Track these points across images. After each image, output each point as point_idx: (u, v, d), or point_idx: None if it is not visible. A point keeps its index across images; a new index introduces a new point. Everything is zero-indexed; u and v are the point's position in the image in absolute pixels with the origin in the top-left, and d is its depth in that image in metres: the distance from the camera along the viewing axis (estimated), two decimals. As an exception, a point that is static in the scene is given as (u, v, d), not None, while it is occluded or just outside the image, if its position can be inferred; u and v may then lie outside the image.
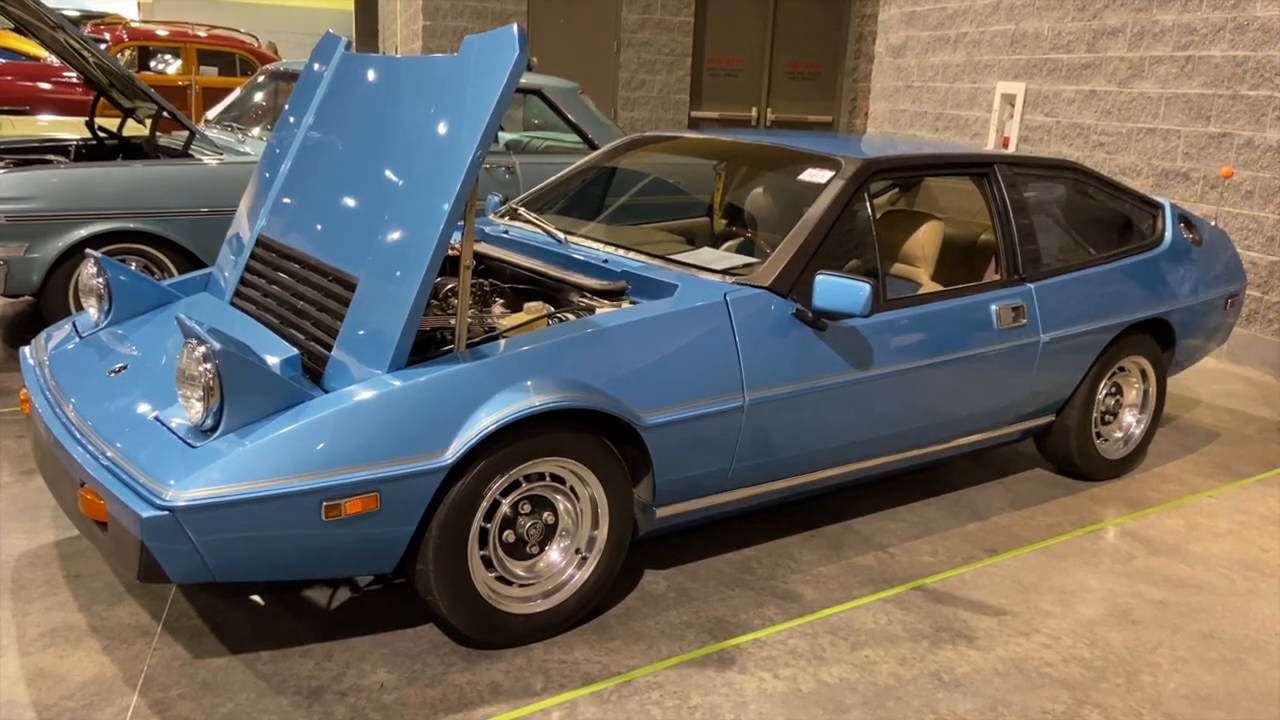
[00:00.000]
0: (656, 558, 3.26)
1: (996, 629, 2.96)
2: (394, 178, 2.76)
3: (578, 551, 2.82)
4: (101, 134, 6.06)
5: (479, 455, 2.54)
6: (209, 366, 2.36)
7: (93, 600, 2.84)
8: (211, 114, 6.25)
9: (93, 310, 3.25)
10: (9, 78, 12.27)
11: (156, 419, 2.53)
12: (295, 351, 2.70)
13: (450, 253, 3.63)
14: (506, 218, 3.90)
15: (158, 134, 5.66)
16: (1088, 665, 2.81)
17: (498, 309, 3.26)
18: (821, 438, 3.17)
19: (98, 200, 4.89)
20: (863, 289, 2.90)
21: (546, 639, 2.77)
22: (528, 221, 3.73)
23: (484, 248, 3.63)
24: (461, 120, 2.58)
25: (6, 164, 5.32)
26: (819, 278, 2.95)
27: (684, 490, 2.95)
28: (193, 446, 2.38)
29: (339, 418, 2.39)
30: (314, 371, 2.69)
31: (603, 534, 2.82)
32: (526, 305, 3.01)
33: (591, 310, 3.01)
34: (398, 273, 2.59)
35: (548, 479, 2.73)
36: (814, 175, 3.38)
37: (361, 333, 2.62)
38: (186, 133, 5.44)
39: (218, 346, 2.34)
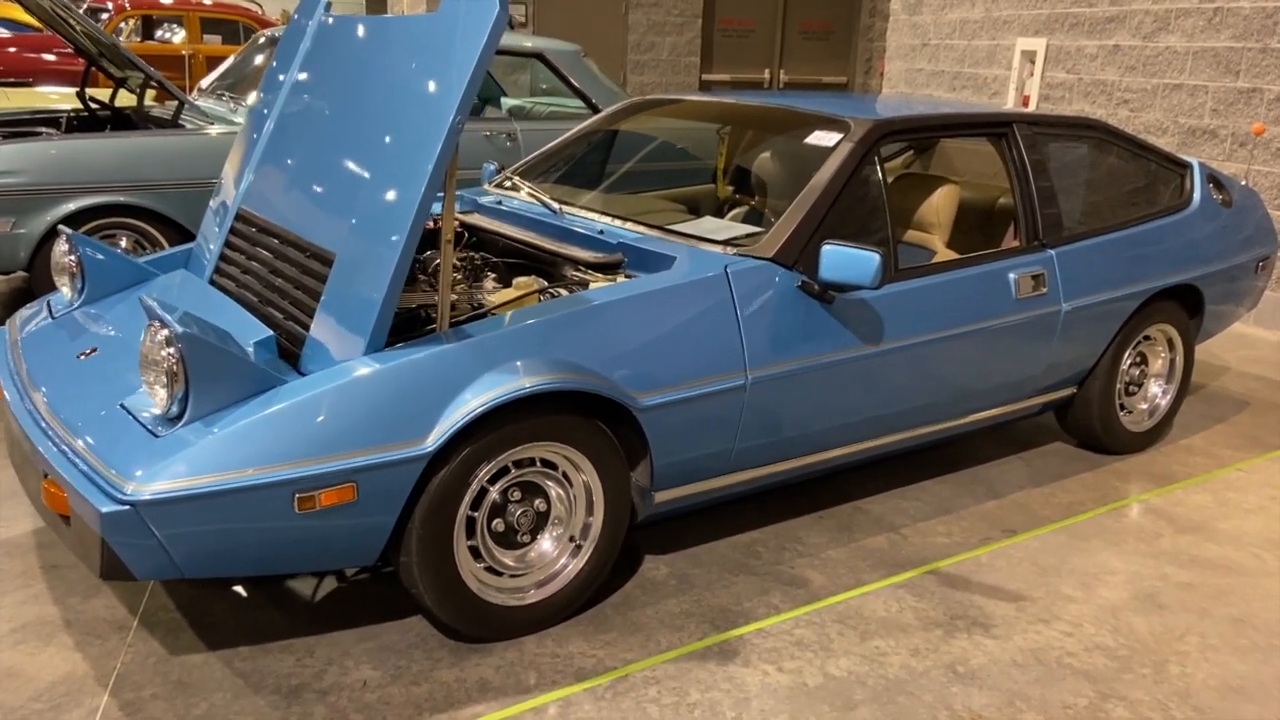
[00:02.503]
0: (657, 542, 3.12)
1: (1014, 616, 2.81)
2: (370, 146, 2.61)
3: (571, 539, 2.68)
4: (93, 105, 5.91)
5: (463, 441, 2.40)
6: (172, 351, 2.22)
7: (68, 593, 2.72)
8: (205, 83, 6.08)
9: (66, 290, 3.12)
10: (12, 49, 12.14)
11: (122, 406, 2.40)
12: (270, 333, 2.56)
13: (432, 226, 3.48)
14: (502, 187, 3.74)
15: (145, 103, 5.50)
16: (1111, 655, 2.66)
17: (489, 284, 3.11)
18: (829, 416, 3.02)
19: (85, 173, 4.75)
20: (872, 259, 2.73)
21: (539, 631, 2.64)
22: (522, 190, 3.56)
23: (476, 219, 3.47)
24: (439, 83, 2.41)
25: (-2, 135, 5.20)
26: (825, 247, 2.78)
27: (684, 473, 2.80)
28: (157, 436, 2.25)
29: (311, 404, 2.25)
30: (293, 353, 2.55)
31: (598, 521, 2.67)
32: (516, 280, 2.85)
33: (585, 285, 2.85)
34: (374, 248, 2.44)
35: (538, 465, 2.58)
36: (821, 138, 3.19)
37: (338, 313, 2.47)
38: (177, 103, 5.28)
39: (180, 330, 2.20)
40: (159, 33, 11.93)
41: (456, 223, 3.50)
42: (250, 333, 2.57)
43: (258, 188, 3.11)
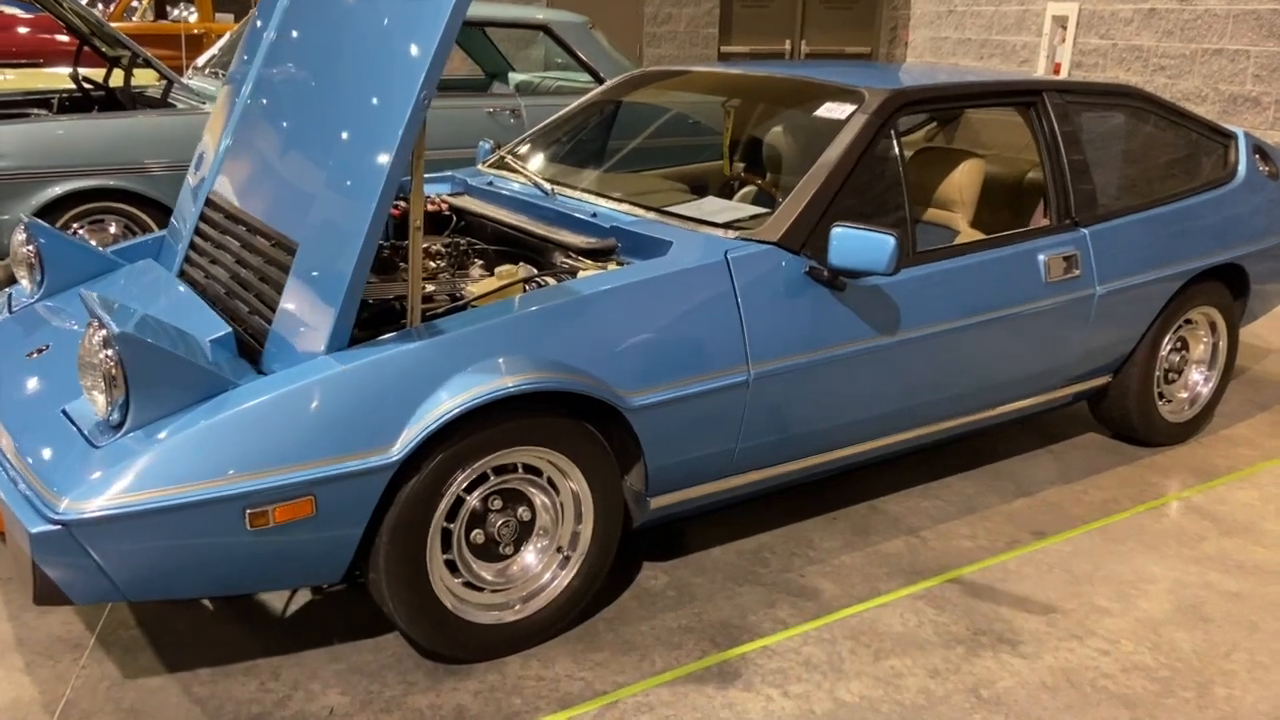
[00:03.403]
0: (656, 548, 2.91)
1: (1045, 631, 2.57)
2: (334, 125, 2.39)
3: (559, 550, 2.47)
4: (87, 85, 5.72)
5: (435, 447, 2.19)
6: (110, 353, 2.02)
7: (24, 608, 2.55)
8: (200, 61, 5.89)
9: (25, 282, 2.93)
10: (23, 30, 12.01)
11: (64, 413, 2.21)
12: (228, 329, 2.36)
13: (430, 207, 3.27)
14: (497, 167, 3.51)
15: (140, 83, 5.30)
16: (1151, 676, 2.42)
17: (475, 272, 2.89)
18: (841, 412, 2.78)
19: (70, 156, 4.56)
20: (886, 242, 2.49)
21: (524, 651, 2.43)
22: (515, 171, 3.34)
23: (465, 202, 3.26)
24: (404, 57, 2.19)
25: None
26: (836, 230, 2.54)
27: (682, 477, 2.58)
28: (96, 446, 2.05)
29: (263, 410, 2.05)
30: (257, 351, 2.35)
31: (587, 530, 2.46)
32: (498, 269, 2.63)
33: (574, 273, 2.63)
34: (335, 237, 2.23)
35: (521, 471, 2.37)
36: (833, 110, 2.94)
37: (299, 307, 2.27)
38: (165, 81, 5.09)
39: (117, 330, 2.00)
40: (178, 10, 11.76)
41: (444, 206, 3.28)
42: (209, 329, 2.37)
43: (227, 170, 2.90)
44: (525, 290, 2.60)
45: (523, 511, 2.41)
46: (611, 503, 2.47)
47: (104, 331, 2.04)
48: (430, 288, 2.58)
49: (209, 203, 2.92)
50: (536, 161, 3.49)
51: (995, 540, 3.01)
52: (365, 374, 2.13)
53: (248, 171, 2.78)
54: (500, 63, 6.56)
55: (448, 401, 2.17)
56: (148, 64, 4.97)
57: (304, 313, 2.25)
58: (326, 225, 2.28)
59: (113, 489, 1.94)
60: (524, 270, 2.76)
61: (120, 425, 2.06)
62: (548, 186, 3.10)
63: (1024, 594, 2.74)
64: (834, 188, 2.72)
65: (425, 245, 2.96)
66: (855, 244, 2.52)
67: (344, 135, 2.34)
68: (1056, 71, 7.53)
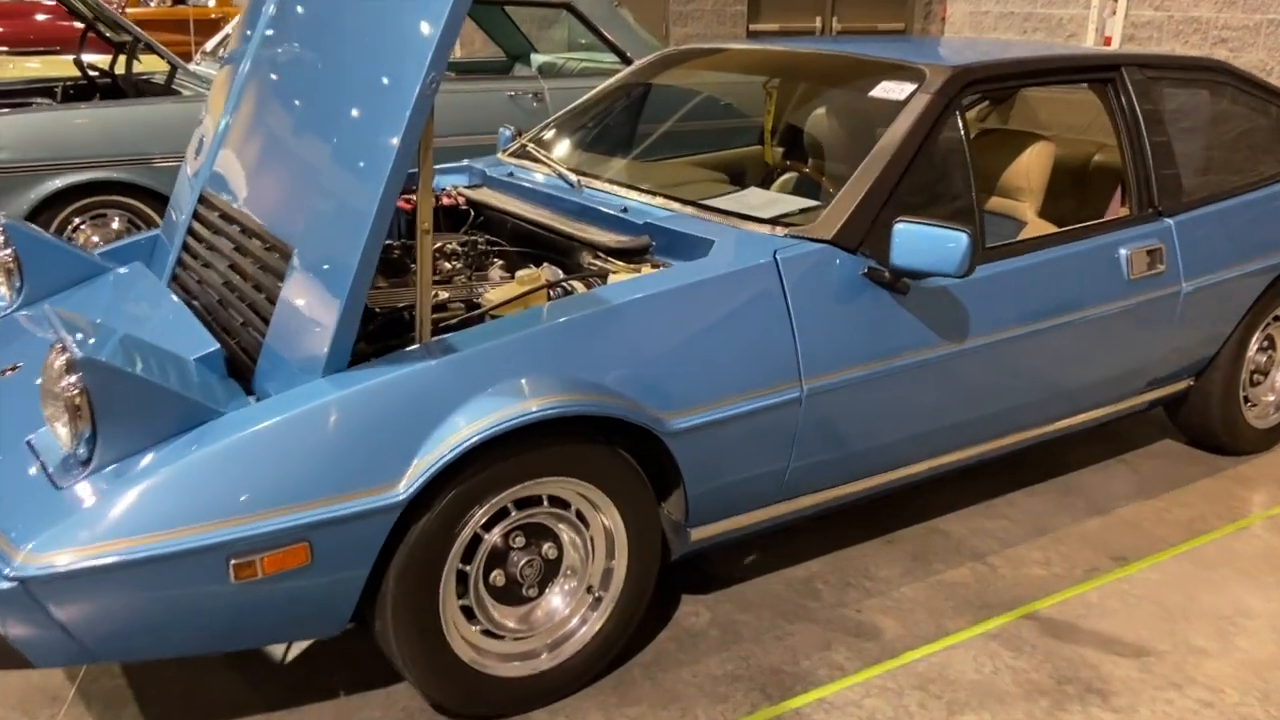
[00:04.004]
0: (696, 578, 2.63)
1: (1138, 678, 2.28)
2: (334, 112, 2.11)
3: (589, 590, 2.20)
4: (92, 72, 5.48)
5: (448, 482, 1.92)
6: (73, 380, 1.76)
7: (0, 652, 2.30)
8: (209, 45, 5.63)
9: (3, 288, 2.68)
10: (43, 16, 11.82)
11: (29, 444, 1.95)
12: (215, 346, 2.10)
13: (446, 201, 2.99)
14: (517, 156, 3.22)
15: (135, 70, 5.05)
16: (1264, 733, 2.13)
17: (496, 273, 2.62)
18: (902, 429, 2.49)
19: (69, 148, 4.32)
20: (959, 240, 2.19)
21: (549, 705, 2.16)
22: (537, 160, 3.05)
23: (484, 195, 2.98)
24: (410, 35, 1.90)
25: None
26: (899, 226, 2.24)
27: (725, 504, 2.30)
28: (58, 487, 1.79)
29: (248, 445, 1.78)
30: (249, 369, 2.09)
31: (621, 568, 2.19)
32: (518, 274, 2.35)
33: (604, 277, 2.35)
34: (335, 239, 1.95)
35: (546, 504, 2.10)
36: (890, 90, 2.63)
37: (294, 320, 2.00)
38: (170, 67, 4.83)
39: (80, 354, 1.73)
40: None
41: (460, 199, 3.01)
42: (195, 345, 2.11)
43: (222, 162, 2.64)
44: (550, 297, 2.33)
45: (548, 549, 2.13)
46: (648, 537, 2.20)
47: (66, 355, 1.78)
48: (443, 294, 2.31)
49: (203, 199, 2.67)
50: (561, 149, 3.20)
51: (1072, 567, 2.71)
52: (367, 400, 1.86)
53: (242, 166, 2.51)
54: (522, 44, 6.26)
55: (463, 430, 1.89)
56: (150, 49, 4.71)
57: (299, 327, 1.98)
58: (325, 227, 2.01)
59: (73, 540, 1.68)
60: (549, 273, 2.48)
61: (87, 461, 1.80)
62: (573, 178, 2.81)
63: (1110, 633, 2.44)
64: (894, 177, 2.42)
65: (439, 244, 2.68)
66: (922, 242, 2.22)
67: (344, 124, 2.06)
68: (1107, 45, 7.14)
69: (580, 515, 2.15)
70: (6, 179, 4.21)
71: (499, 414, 1.92)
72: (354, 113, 2.03)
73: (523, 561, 2.09)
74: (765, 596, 2.55)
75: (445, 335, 2.05)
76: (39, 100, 5.26)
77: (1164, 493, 3.13)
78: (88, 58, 5.45)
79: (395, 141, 1.85)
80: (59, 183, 4.32)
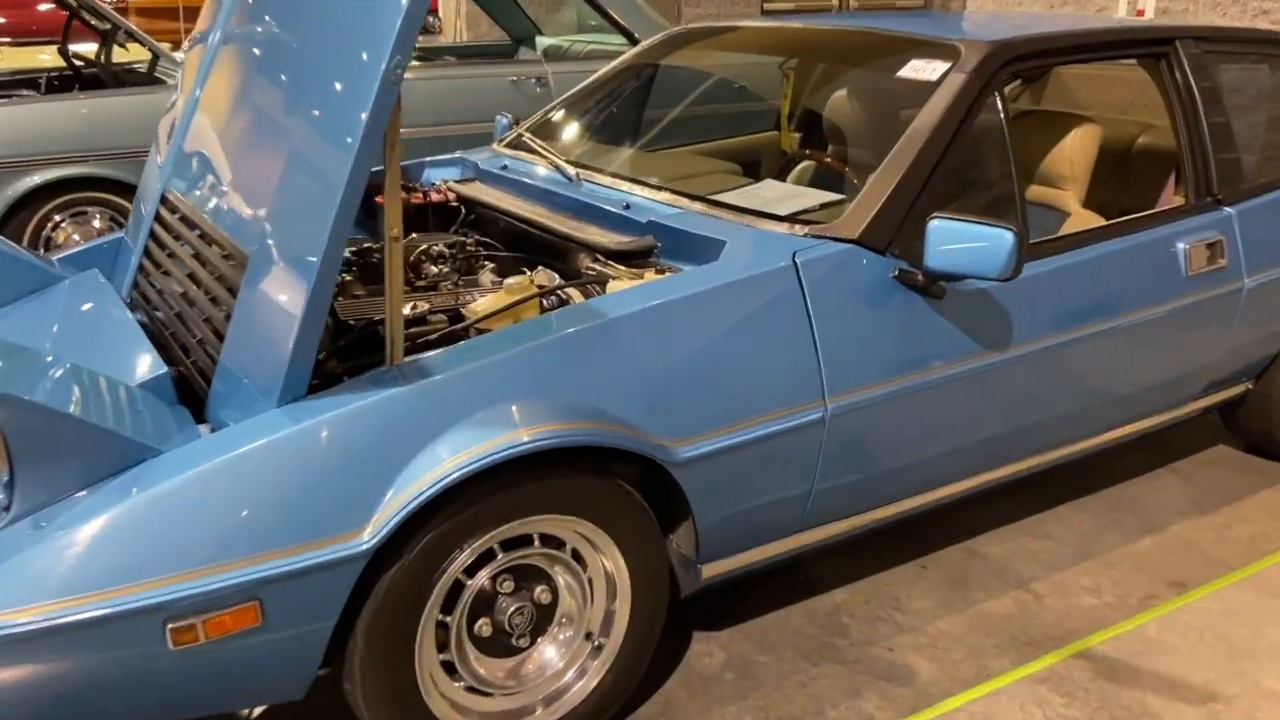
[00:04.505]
0: (709, 613, 2.39)
1: (1206, 731, 2.03)
2: (293, 104, 1.87)
3: (588, 637, 1.96)
4: (78, 62, 5.25)
5: (424, 525, 1.68)
6: (-15, 419, 1.53)
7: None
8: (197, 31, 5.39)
9: (-54, 301, 2.45)
10: (46, 6, 11.63)
11: (-52, 486, 1.72)
12: (163, 370, 1.87)
13: (436, 197, 2.75)
14: (513, 147, 2.97)
15: (113, 59, 4.82)
16: (1355, 798, 1.87)
17: (487, 278, 2.37)
18: (938, 447, 2.24)
19: (46, 142, 4.09)
20: (1003, 239, 1.93)
21: (546, 767, 1.93)
22: (534, 152, 2.80)
23: (476, 190, 2.73)
24: (371, 19, 1.66)
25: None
26: (934, 223, 1.98)
27: (740, 537, 2.06)
28: (-29, 541, 1.56)
29: (187, 491, 1.55)
30: (204, 393, 1.86)
31: (624, 612, 1.95)
32: (506, 282, 2.10)
33: (603, 283, 2.10)
34: (291, 246, 1.72)
35: (537, 543, 1.86)
36: (921, 70, 2.37)
37: (248, 341, 1.77)
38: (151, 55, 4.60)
39: (-9, 390, 1.50)
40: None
41: (450, 195, 2.76)
42: (142, 368, 1.88)
43: (183, 158, 2.41)
44: (543, 307, 2.08)
45: (541, 593, 1.90)
46: (654, 577, 1.96)
47: (-23, 390, 1.54)
48: (423, 305, 2.07)
49: (164, 200, 2.44)
50: (560, 139, 2.95)
51: (1125, 595, 2.46)
52: (326, 434, 1.62)
53: (203, 165, 2.28)
54: (527, 26, 5.99)
55: (441, 465, 1.66)
56: (131, 36, 4.48)
57: (254, 348, 1.74)
58: (282, 234, 1.78)
59: (-13, 603, 1.46)
60: (543, 276, 2.24)
61: (6, 509, 1.57)
62: (572, 171, 2.56)
63: (1172, 673, 2.18)
64: (927, 167, 2.15)
65: (425, 245, 2.44)
66: (961, 241, 1.96)
67: (304, 117, 1.82)
68: (1140, 19, 6.82)
69: (577, 555, 1.91)
70: (-21, 177, 4.00)
71: (482, 447, 1.68)
72: (313, 105, 1.78)
73: (512, 609, 1.86)
74: (786, 633, 2.31)
75: (421, 355, 1.81)
76: (22, 92, 5.04)
77: (1222, 506, 2.86)
78: (80, 47, 5.24)
79: (356, 136, 1.61)
80: (36, 179, 4.10)
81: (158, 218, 2.43)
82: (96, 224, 4.26)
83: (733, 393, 1.91)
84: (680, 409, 1.86)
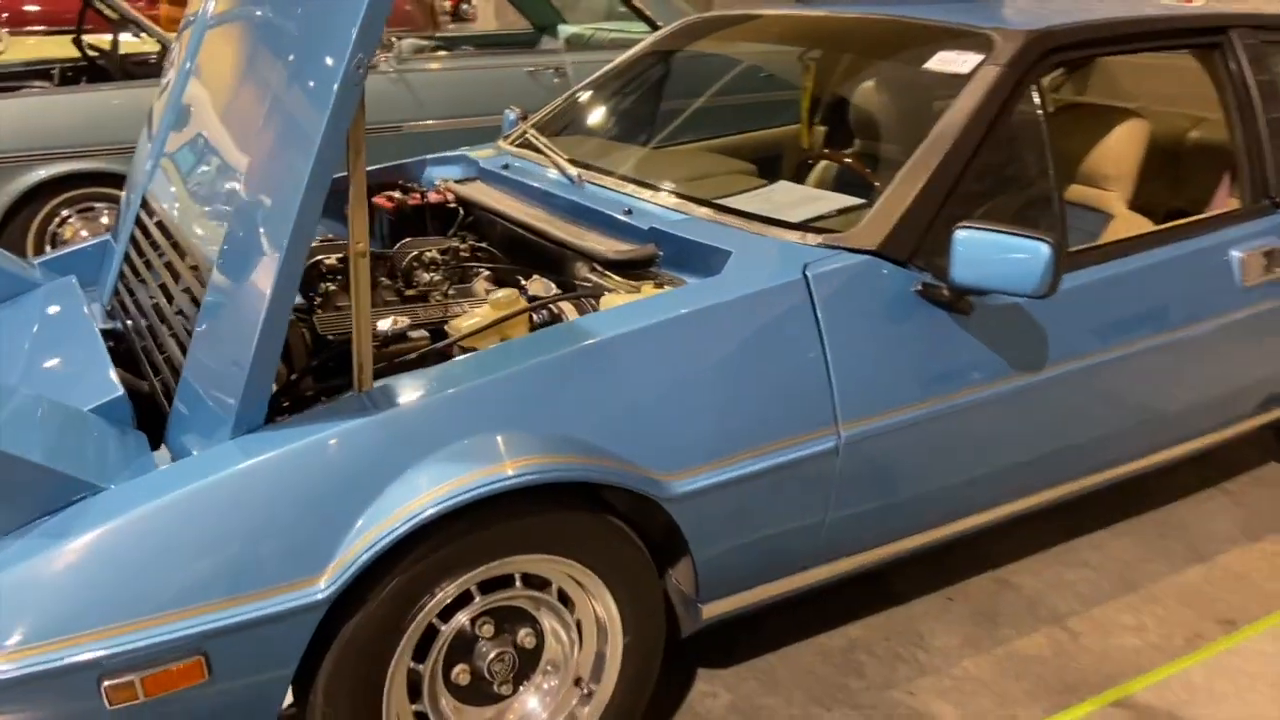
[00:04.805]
0: (714, 648, 2.23)
1: (1259, 795, 1.84)
2: (259, 107, 1.73)
3: (578, 683, 1.81)
4: (92, 52, 5.16)
5: (390, 568, 1.53)
6: (-97, 453, 1.40)
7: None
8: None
9: (-85, 309, 2.34)
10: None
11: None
12: (119, 393, 1.73)
13: (434, 197, 2.61)
14: (518, 144, 2.81)
15: (130, 50, 4.72)
16: None
17: (481, 287, 2.22)
18: (964, 474, 2.06)
19: (51, 136, 3.99)
20: (1037, 252, 1.75)
21: (529, 826, 1.78)
22: (538, 150, 2.63)
23: (474, 191, 2.58)
24: (333, 12, 1.50)
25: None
26: (961, 233, 1.80)
27: (743, 575, 1.89)
28: (-110, 587, 1.43)
29: (125, 534, 1.41)
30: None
31: (615, 656, 1.80)
32: (492, 296, 1.94)
33: (598, 296, 1.94)
34: (249, 261, 1.57)
35: (519, 584, 1.71)
36: (950, 62, 2.18)
37: (207, 362, 1.63)
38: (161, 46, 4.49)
39: (-93, 422, 1.37)
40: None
41: (449, 195, 2.61)
42: (97, 391, 1.75)
43: (164, 163, 2.27)
44: (533, 323, 1.92)
45: (525, 636, 1.74)
46: (649, 621, 1.80)
47: (-104, 421, 1.42)
48: (403, 321, 1.91)
49: (145, 203, 2.31)
50: (566, 136, 2.78)
51: (1170, 634, 2.26)
52: (280, 470, 1.47)
53: (177, 164, 2.15)
54: (550, 14, 5.82)
55: (412, 501, 1.51)
56: (138, 26, 4.37)
57: (211, 370, 1.60)
58: (240, 245, 1.63)
59: (-101, 659, 1.33)
60: (539, 286, 2.08)
61: (-72, 553, 1.44)
62: (573, 171, 2.40)
63: (1221, 727, 1.99)
64: (955, 170, 1.97)
65: (417, 251, 2.30)
66: (991, 253, 1.78)
67: (268, 118, 1.68)
68: (1185, 4, 6.51)
69: (564, 596, 1.76)
70: (-19, 172, 3.90)
71: (459, 481, 1.53)
72: (278, 105, 1.63)
73: (492, 654, 1.71)
74: (797, 673, 2.14)
75: (393, 379, 1.66)
76: (35, 84, 4.95)
77: (1274, 533, 2.65)
78: (96, 38, 5.14)
79: (315, 140, 1.45)
80: (42, 173, 4.00)
81: (138, 221, 2.30)
82: (105, 220, 4.16)
83: (734, 421, 1.74)
84: (675, 439, 1.70)
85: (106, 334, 2.19)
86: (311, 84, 1.51)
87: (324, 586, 1.46)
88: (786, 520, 1.85)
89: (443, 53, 4.75)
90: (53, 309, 2.16)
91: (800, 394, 1.79)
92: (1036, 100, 2.10)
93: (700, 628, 1.92)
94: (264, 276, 1.50)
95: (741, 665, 2.17)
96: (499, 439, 1.59)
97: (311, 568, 1.46)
